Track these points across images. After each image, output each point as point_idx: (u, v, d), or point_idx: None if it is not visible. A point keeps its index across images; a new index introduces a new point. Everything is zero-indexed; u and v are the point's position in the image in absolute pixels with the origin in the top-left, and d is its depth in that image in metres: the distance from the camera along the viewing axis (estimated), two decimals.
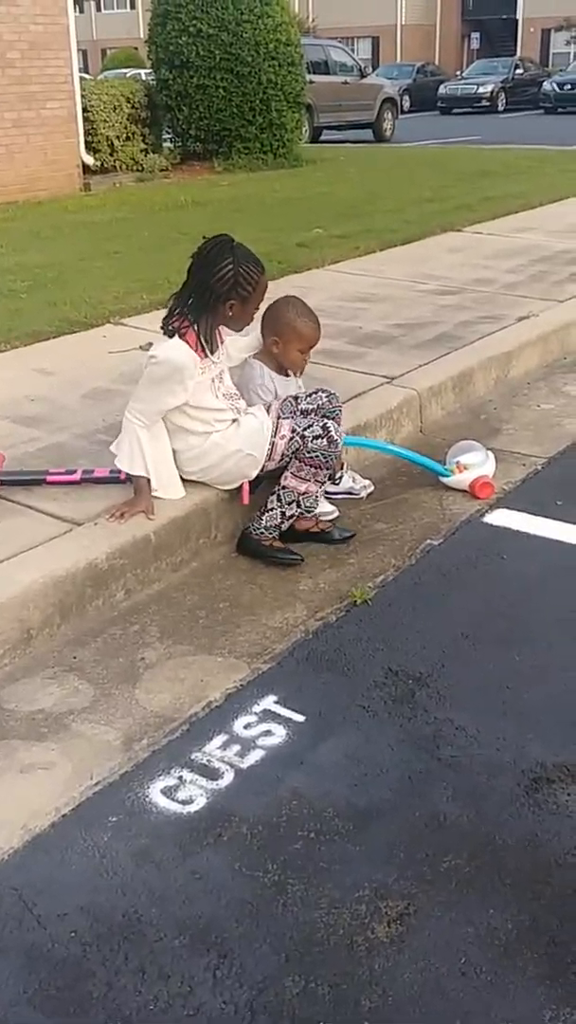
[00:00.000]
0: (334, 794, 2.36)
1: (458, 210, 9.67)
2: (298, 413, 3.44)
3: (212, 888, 2.10)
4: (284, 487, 3.37)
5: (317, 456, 3.31)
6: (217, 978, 1.90)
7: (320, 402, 3.50)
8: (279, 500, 3.37)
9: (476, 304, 6.15)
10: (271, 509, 3.38)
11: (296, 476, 3.35)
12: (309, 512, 3.53)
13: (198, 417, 3.33)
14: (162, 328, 3.31)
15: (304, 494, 3.37)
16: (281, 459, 3.37)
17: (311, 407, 3.48)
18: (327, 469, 3.37)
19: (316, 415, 3.42)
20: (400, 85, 29.67)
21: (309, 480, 3.35)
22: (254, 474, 3.41)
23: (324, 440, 3.30)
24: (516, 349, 5.37)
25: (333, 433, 3.31)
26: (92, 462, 3.70)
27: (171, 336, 3.24)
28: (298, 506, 3.39)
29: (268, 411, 3.42)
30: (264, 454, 3.35)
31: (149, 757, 2.49)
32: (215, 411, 3.34)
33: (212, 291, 3.23)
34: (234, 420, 3.38)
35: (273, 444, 3.34)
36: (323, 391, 3.55)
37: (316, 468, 3.34)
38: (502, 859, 2.16)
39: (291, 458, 3.35)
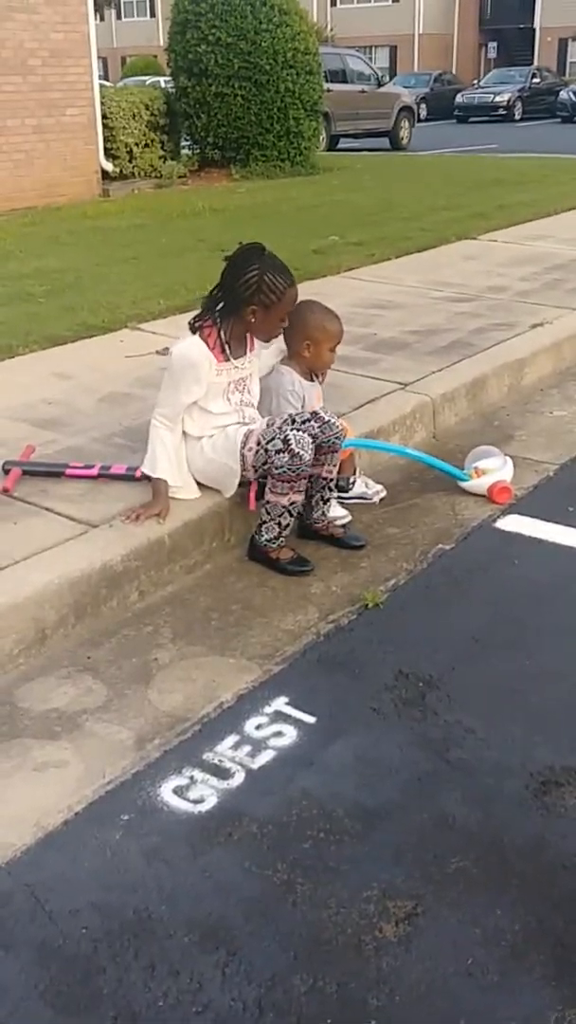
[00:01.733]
0: (344, 795, 2.37)
1: (473, 218, 9.69)
2: (271, 423, 3.34)
3: (222, 887, 2.12)
4: (268, 502, 3.33)
5: (284, 471, 3.23)
6: (226, 975, 1.91)
7: (313, 431, 3.32)
8: (268, 514, 3.35)
9: (490, 311, 6.16)
10: (265, 522, 3.37)
11: (273, 491, 3.30)
12: (317, 522, 3.55)
13: (197, 420, 3.38)
14: (189, 326, 3.36)
15: (290, 505, 3.32)
16: (256, 471, 3.33)
17: (279, 418, 3.38)
18: (302, 479, 3.28)
19: (282, 427, 3.28)
20: (417, 94, 29.78)
21: (287, 493, 3.28)
22: (235, 483, 3.41)
23: (286, 455, 3.20)
24: (529, 356, 5.39)
25: (293, 446, 3.19)
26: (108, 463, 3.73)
27: (193, 334, 3.29)
28: (290, 515, 3.34)
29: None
30: (238, 463, 3.34)
31: (161, 757, 2.51)
32: (218, 415, 3.36)
33: (236, 294, 3.26)
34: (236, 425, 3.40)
35: (243, 455, 3.32)
36: (324, 421, 3.40)
37: (288, 481, 3.25)
38: (510, 861, 2.17)
39: (264, 472, 3.32)
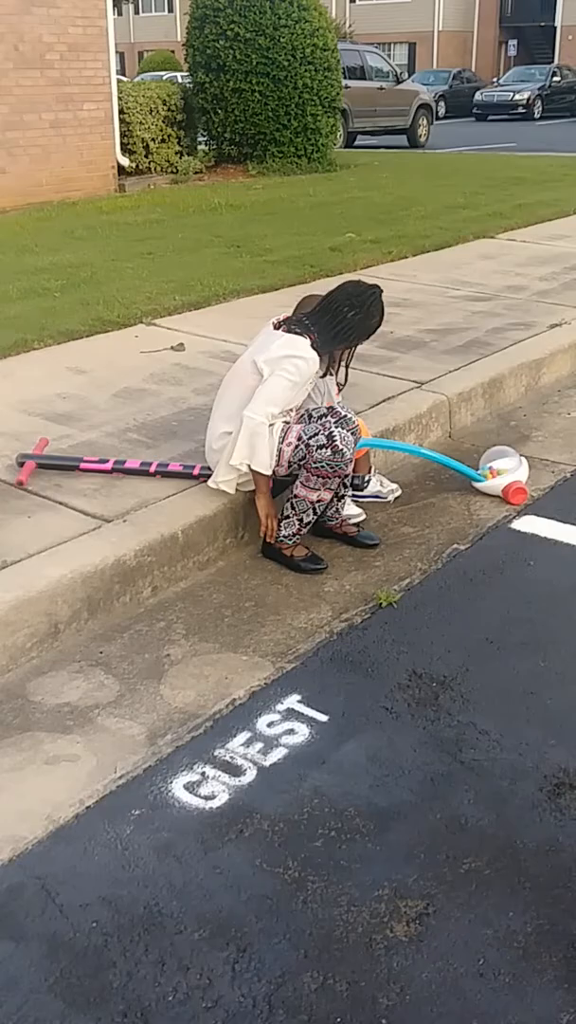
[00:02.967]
0: (355, 794, 2.37)
1: (491, 217, 9.65)
2: (311, 419, 3.38)
3: (232, 883, 2.12)
4: (296, 496, 3.35)
5: (323, 466, 3.26)
6: (236, 972, 1.91)
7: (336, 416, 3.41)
8: (293, 508, 3.36)
9: (508, 311, 6.14)
10: (287, 517, 3.38)
11: (305, 486, 3.32)
12: (332, 520, 3.55)
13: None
14: (293, 327, 3.34)
15: (317, 502, 3.34)
16: (289, 465, 3.34)
17: (321, 414, 3.42)
18: (336, 478, 3.32)
19: (325, 422, 3.32)
20: (436, 91, 29.66)
21: (319, 489, 3.31)
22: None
23: (328, 450, 3.24)
24: (547, 356, 5.36)
25: (338, 442, 3.24)
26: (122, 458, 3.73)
27: (299, 335, 3.31)
28: (314, 512, 3.37)
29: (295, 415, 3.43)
30: (273, 459, 3.32)
31: (173, 752, 2.51)
32: (277, 415, 3.35)
33: (350, 329, 3.36)
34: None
35: (280, 450, 3.32)
36: (340, 416, 3.43)
37: (323, 477, 3.29)
38: (522, 863, 2.16)
39: (299, 466, 3.33)
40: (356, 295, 3.39)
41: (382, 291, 3.45)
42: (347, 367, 3.52)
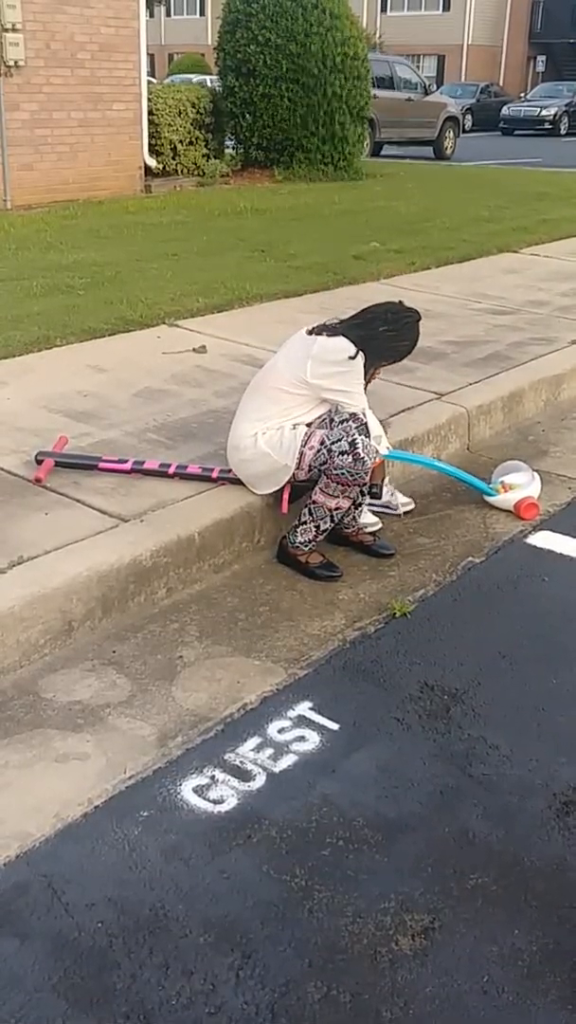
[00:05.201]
0: (364, 804, 2.36)
1: (515, 231, 9.65)
2: (333, 424, 3.35)
3: (239, 888, 2.11)
4: (315, 502, 3.34)
5: (343, 473, 3.25)
6: (240, 978, 1.91)
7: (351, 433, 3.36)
8: (311, 515, 3.36)
9: (529, 325, 6.13)
10: (304, 523, 3.37)
11: (324, 492, 3.31)
12: (348, 528, 3.55)
13: (283, 411, 3.35)
14: (322, 332, 3.36)
15: (335, 509, 3.34)
16: (309, 470, 3.33)
17: (343, 419, 3.40)
18: (356, 486, 3.31)
19: (348, 428, 3.28)
20: (463, 104, 29.68)
21: (338, 496, 3.30)
22: (281, 481, 3.40)
23: (350, 457, 3.23)
24: (568, 372, 5.35)
25: (360, 450, 3.23)
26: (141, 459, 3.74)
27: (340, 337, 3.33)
28: (332, 520, 3.36)
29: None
30: (294, 461, 3.33)
31: (183, 755, 2.50)
32: (301, 415, 3.35)
33: (386, 348, 3.40)
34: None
35: (302, 454, 3.31)
36: (361, 423, 3.39)
37: (343, 485, 3.28)
38: (529, 880, 2.15)
39: (319, 472, 3.32)
40: (392, 313, 3.42)
41: (420, 317, 3.46)
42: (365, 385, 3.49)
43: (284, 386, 3.33)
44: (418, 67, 31.46)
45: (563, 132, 31.86)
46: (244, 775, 2.44)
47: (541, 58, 45.80)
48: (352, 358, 3.27)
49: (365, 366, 3.34)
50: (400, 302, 3.53)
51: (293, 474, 3.34)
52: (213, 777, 2.43)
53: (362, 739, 2.59)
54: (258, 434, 3.36)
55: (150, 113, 12.46)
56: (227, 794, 2.38)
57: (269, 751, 2.53)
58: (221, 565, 3.40)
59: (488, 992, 1.90)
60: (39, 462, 3.65)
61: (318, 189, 12.80)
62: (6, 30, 10.23)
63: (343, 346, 3.28)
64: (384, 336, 3.37)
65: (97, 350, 5.30)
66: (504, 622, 3.19)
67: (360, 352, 3.29)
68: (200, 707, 2.70)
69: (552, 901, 2.10)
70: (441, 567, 3.50)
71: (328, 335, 3.33)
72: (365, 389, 3.48)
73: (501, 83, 42.00)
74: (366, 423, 3.35)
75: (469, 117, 31.90)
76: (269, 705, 2.71)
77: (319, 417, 3.39)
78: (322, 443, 3.29)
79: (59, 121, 11.23)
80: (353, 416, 3.32)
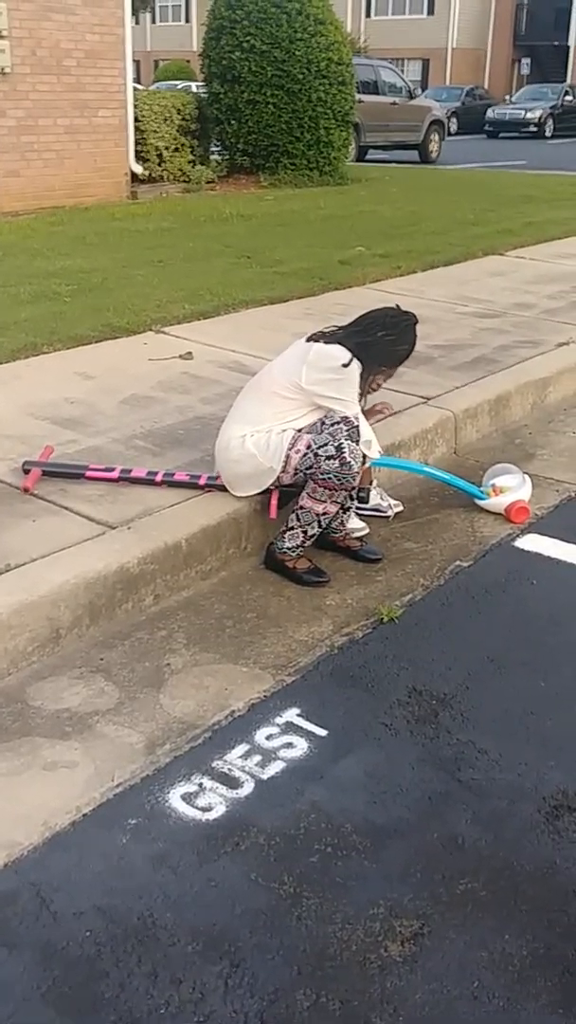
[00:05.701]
0: (353, 810, 2.36)
1: (501, 234, 9.68)
2: (323, 428, 3.33)
3: (227, 896, 2.11)
4: (302, 507, 3.33)
5: (330, 477, 3.24)
6: (228, 987, 1.90)
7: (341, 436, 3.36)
8: (298, 520, 3.35)
9: (516, 328, 6.15)
10: (292, 528, 3.36)
11: (312, 497, 3.30)
12: (336, 532, 3.55)
13: (277, 415, 3.34)
14: (320, 338, 3.36)
15: (323, 514, 3.33)
16: (295, 474, 3.32)
17: (334, 421, 3.39)
18: (343, 490, 3.30)
19: (336, 432, 3.27)
20: (448, 108, 29.77)
21: (325, 501, 3.29)
22: (265, 484, 3.39)
23: (336, 461, 3.22)
24: (554, 375, 5.37)
25: (347, 454, 3.22)
26: (128, 466, 3.73)
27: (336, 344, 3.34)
28: (319, 525, 3.35)
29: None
30: (279, 464, 3.32)
31: (171, 762, 2.50)
32: (295, 420, 3.34)
33: (384, 354, 3.39)
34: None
35: (288, 456, 3.31)
36: (353, 426, 3.39)
37: (330, 489, 3.27)
38: (519, 885, 2.15)
39: (305, 476, 3.32)
40: (391, 317, 3.44)
41: (417, 320, 3.47)
42: (365, 395, 3.49)
43: (279, 390, 3.33)
44: (403, 71, 31.46)
45: (548, 135, 32.00)
46: (232, 782, 2.44)
47: (526, 61, 45.97)
48: (345, 366, 3.28)
49: (364, 372, 3.35)
50: (396, 306, 3.53)
51: (278, 477, 3.33)
52: (201, 784, 2.43)
53: (350, 745, 2.59)
54: (247, 436, 3.35)
55: (136, 120, 12.46)
56: (215, 801, 2.37)
57: (257, 758, 2.53)
58: (208, 572, 3.40)
59: (478, 997, 1.90)
60: (26, 472, 3.64)
61: (303, 194, 12.81)
62: None
63: (338, 353, 3.29)
64: (383, 341, 3.38)
65: (84, 357, 5.29)
66: (492, 626, 3.19)
67: (355, 360, 3.29)
68: (188, 714, 2.69)
69: (542, 905, 2.10)
70: (429, 571, 3.50)
71: (325, 342, 3.34)
72: (368, 396, 3.49)
73: (486, 86, 42.17)
74: (357, 427, 3.35)
75: (454, 120, 31.97)
76: (257, 712, 2.71)
77: (312, 423, 3.39)
78: (308, 447, 3.28)
79: (45, 128, 11.22)
80: (344, 420, 3.30)
